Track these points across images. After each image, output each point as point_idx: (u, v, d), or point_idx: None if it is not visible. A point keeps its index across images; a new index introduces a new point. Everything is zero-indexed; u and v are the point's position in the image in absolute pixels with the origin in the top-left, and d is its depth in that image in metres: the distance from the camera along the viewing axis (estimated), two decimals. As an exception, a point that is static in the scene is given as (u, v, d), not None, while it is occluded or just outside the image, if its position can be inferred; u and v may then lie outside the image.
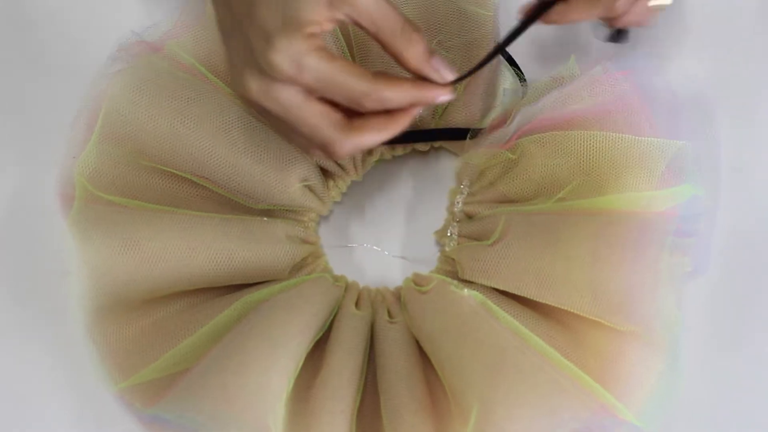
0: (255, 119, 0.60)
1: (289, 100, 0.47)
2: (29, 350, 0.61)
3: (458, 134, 0.62)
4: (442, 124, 0.62)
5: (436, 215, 0.63)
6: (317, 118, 0.48)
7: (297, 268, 0.60)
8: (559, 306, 0.56)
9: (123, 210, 0.58)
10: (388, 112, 0.49)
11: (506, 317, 0.55)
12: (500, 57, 0.62)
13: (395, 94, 0.48)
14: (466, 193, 0.62)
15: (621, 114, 0.57)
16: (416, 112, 0.50)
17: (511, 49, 0.58)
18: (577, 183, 0.57)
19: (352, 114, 0.49)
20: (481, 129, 0.61)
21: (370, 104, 0.48)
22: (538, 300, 0.56)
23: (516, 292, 0.57)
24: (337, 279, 0.61)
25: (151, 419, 0.55)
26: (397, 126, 0.49)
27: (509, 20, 0.54)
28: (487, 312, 0.55)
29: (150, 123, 0.59)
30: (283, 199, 0.60)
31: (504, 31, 0.57)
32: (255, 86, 0.47)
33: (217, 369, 0.53)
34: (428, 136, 0.62)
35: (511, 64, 0.61)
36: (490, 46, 0.61)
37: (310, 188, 0.61)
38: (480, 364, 0.53)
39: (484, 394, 0.52)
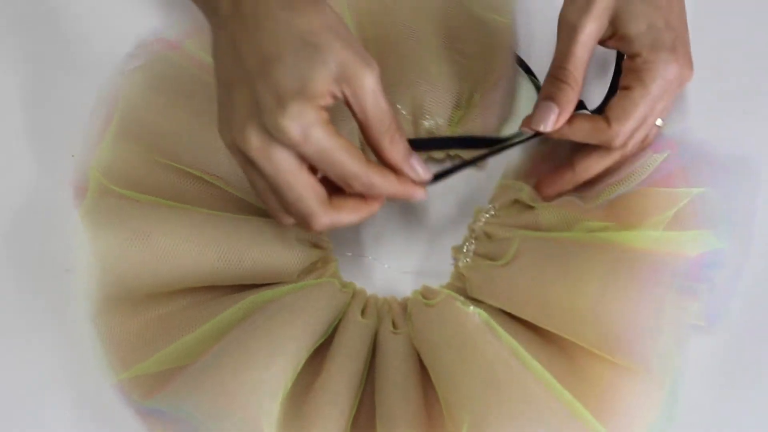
0: None
1: (284, 164, 0.48)
2: (34, 346, 0.61)
3: (474, 143, 0.61)
4: (458, 132, 0.62)
5: (449, 224, 0.62)
6: (305, 188, 0.49)
7: (306, 271, 0.60)
8: (561, 334, 0.55)
9: (135, 204, 0.59)
10: (362, 196, 0.51)
11: (508, 338, 0.54)
12: (517, 66, 0.61)
13: (382, 182, 0.50)
14: (491, 213, 0.61)
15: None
16: (383, 201, 0.52)
17: (528, 59, 0.57)
18: (606, 225, 0.57)
19: (330, 191, 0.51)
20: (498, 139, 0.60)
21: (357, 186, 0.50)
22: (541, 325, 0.56)
23: (520, 315, 0.56)
24: (345, 285, 0.60)
25: (149, 411, 0.55)
26: (369, 211, 0.52)
27: (527, 27, 0.54)
28: (490, 331, 0.55)
29: (165, 120, 0.60)
30: None
31: (522, 39, 0.56)
32: (255, 141, 0.48)
33: (217, 366, 0.53)
34: (444, 144, 0.61)
35: (527, 73, 0.60)
36: (507, 54, 0.61)
37: (323, 192, 0.61)
38: (476, 381, 0.53)
39: (476, 410, 0.52)
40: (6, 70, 0.67)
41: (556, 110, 0.55)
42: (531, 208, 0.59)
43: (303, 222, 0.51)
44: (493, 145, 0.60)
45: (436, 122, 0.61)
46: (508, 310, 0.57)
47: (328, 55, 0.47)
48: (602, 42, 0.56)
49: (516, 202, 0.60)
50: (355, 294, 0.60)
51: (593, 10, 0.54)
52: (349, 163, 0.49)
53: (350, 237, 0.62)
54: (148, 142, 0.61)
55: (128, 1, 0.67)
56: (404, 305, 0.59)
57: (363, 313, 0.59)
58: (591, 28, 0.54)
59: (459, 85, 0.62)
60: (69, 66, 0.66)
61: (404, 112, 0.61)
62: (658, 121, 0.56)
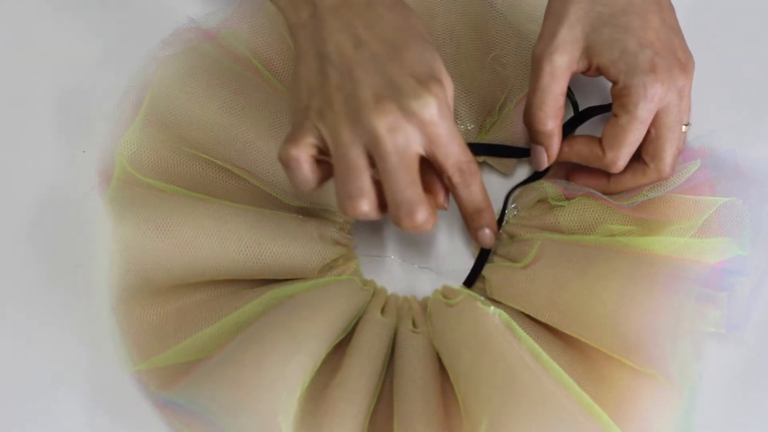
0: None
1: (412, 145, 0.49)
2: (50, 338, 0.60)
3: (503, 151, 0.61)
4: (488, 139, 0.62)
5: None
6: (416, 175, 0.50)
7: (327, 268, 0.60)
8: (579, 337, 0.55)
9: (159, 194, 0.59)
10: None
11: (528, 340, 0.55)
12: None
13: (480, 181, 0.53)
14: (514, 214, 0.61)
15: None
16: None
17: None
18: (628, 229, 0.57)
19: None
20: (526, 149, 0.61)
21: (467, 171, 0.51)
22: (560, 329, 0.56)
23: (539, 318, 0.57)
24: (365, 283, 0.60)
25: (165, 403, 0.55)
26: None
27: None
28: (510, 332, 0.55)
29: (196, 110, 0.60)
30: (320, 197, 0.60)
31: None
32: (391, 118, 0.48)
33: (234, 360, 0.53)
34: (473, 150, 0.61)
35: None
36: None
37: (348, 189, 0.61)
38: (495, 382, 0.53)
39: (494, 411, 0.52)
40: (38, 62, 0.66)
41: (542, 150, 0.58)
42: (553, 209, 0.60)
43: (407, 210, 0.50)
44: (522, 155, 0.61)
45: (467, 127, 0.62)
46: (527, 313, 0.57)
47: (436, 53, 0.51)
48: (584, 73, 0.57)
49: (540, 201, 0.61)
50: (375, 292, 0.60)
51: (556, 43, 0.55)
52: (464, 146, 0.51)
53: (372, 236, 0.63)
54: (177, 132, 0.60)
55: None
56: (424, 304, 0.60)
57: (383, 311, 0.59)
58: (557, 60, 0.55)
59: (494, 93, 0.62)
60: (103, 51, 0.66)
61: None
62: (683, 128, 0.57)
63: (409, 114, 0.49)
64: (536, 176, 0.61)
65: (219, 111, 0.59)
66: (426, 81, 0.49)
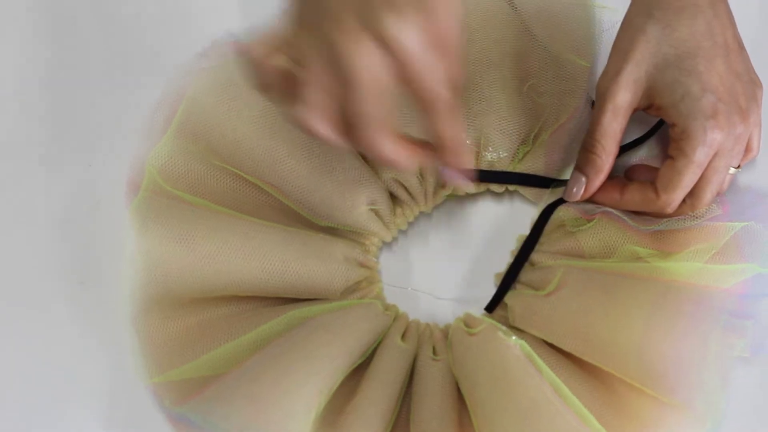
0: None
1: (377, 63, 0.43)
2: (70, 349, 0.61)
3: (535, 181, 0.60)
4: (521, 168, 0.61)
5: (500, 258, 0.61)
6: (387, 92, 0.44)
7: (350, 290, 0.59)
8: (604, 367, 0.54)
9: (186, 206, 0.58)
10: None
11: (549, 373, 0.54)
12: (589, 109, 0.61)
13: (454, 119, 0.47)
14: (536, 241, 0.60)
15: None
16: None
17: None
18: (650, 253, 0.56)
19: None
20: (560, 180, 0.60)
21: (441, 102, 0.45)
22: (583, 358, 0.55)
23: (561, 346, 0.56)
24: (387, 308, 0.60)
25: (178, 418, 0.54)
26: (419, 159, 0.48)
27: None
28: (531, 364, 0.54)
29: (229, 124, 0.59)
30: (348, 219, 0.59)
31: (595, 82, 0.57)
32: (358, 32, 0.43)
33: (250, 378, 0.53)
34: (505, 179, 0.61)
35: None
36: (581, 96, 0.61)
37: (376, 212, 0.60)
38: (513, 413, 0.52)
39: None
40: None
41: (583, 180, 0.57)
42: (574, 233, 0.59)
43: (369, 132, 0.45)
44: (554, 186, 0.60)
45: (499, 155, 0.61)
46: (550, 341, 0.57)
47: None
48: (645, 111, 0.56)
49: (560, 227, 0.60)
50: (396, 317, 0.59)
51: (620, 80, 0.55)
52: (439, 70, 0.44)
53: (394, 261, 0.62)
54: (209, 144, 0.60)
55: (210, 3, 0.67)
56: (446, 332, 0.59)
57: (403, 337, 0.58)
58: (620, 98, 0.55)
59: (529, 122, 0.61)
60: (142, 65, 0.67)
61: (468, 142, 0.61)
62: (731, 170, 0.57)
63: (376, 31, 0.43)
64: (558, 202, 0.60)
65: (252, 126, 0.59)
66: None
